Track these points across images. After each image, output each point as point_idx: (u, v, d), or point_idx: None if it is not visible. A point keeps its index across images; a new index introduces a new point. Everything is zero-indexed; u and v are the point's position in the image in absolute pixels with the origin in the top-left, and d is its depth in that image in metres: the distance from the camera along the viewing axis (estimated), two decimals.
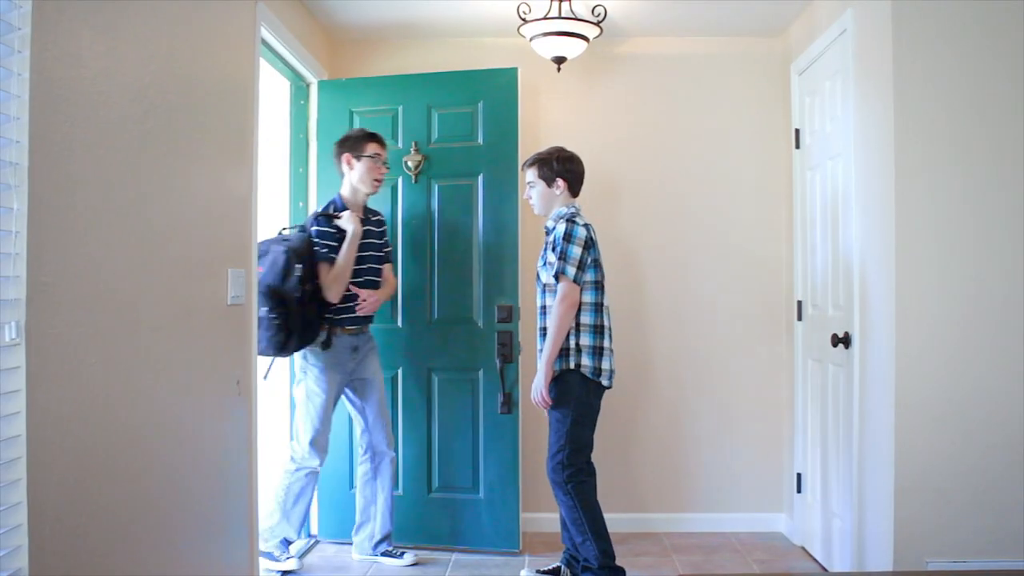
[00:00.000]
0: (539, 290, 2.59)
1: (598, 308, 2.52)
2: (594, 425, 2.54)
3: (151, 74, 1.80)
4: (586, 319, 2.50)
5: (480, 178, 3.02)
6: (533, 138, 3.30)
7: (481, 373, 2.98)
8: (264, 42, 2.55)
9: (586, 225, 2.54)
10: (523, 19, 2.87)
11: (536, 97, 3.29)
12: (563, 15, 2.80)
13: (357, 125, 3.11)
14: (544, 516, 3.20)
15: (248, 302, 2.37)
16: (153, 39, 1.81)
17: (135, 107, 1.73)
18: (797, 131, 3.12)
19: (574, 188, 2.64)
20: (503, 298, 2.96)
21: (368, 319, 2.82)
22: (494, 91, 2.99)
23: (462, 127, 3.04)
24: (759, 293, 3.29)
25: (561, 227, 2.50)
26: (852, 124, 2.52)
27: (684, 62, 3.31)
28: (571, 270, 2.45)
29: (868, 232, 2.44)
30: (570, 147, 3.31)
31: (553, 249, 2.50)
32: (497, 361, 2.89)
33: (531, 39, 2.89)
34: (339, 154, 2.77)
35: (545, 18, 2.81)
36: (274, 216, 3.07)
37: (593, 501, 2.49)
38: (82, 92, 1.53)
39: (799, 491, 3.08)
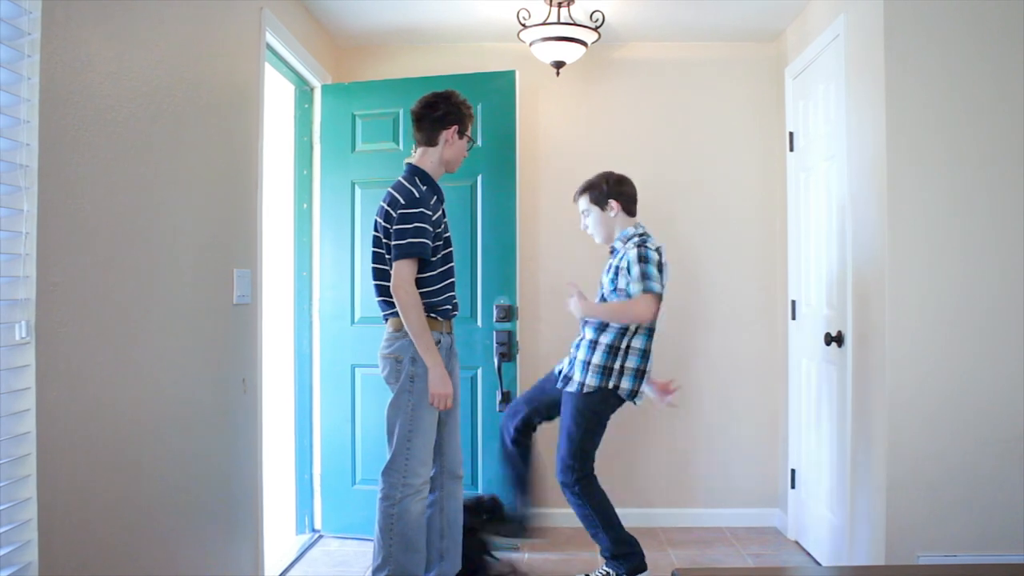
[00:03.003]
0: None
1: (650, 333, 2.55)
2: (603, 434, 2.59)
3: (158, 78, 1.83)
4: (638, 343, 2.52)
5: (479, 179, 3.05)
6: (533, 141, 3.34)
7: (480, 371, 3.01)
8: (269, 47, 2.58)
9: (657, 249, 2.54)
10: (523, 24, 2.91)
11: (536, 101, 3.33)
12: (562, 20, 2.84)
13: (359, 128, 3.12)
14: (543, 512, 3.24)
15: (254, 302, 2.40)
16: (160, 44, 1.84)
17: (143, 111, 1.76)
18: (791, 134, 3.15)
19: (629, 208, 2.62)
20: (502, 297, 2.99)
21: (457, 312, 2.42)
22: (493, 94, 3.02)
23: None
24: (754, 292, 3.32)
25: (633, 252, 2.48)
26: (845, 127, 2.56)
27: (680, 66, 3.34)
28: (656, 285, 2.44)
29: (861, 233, 2.47)
30: (568, 150, 3.38)
31: (629, 272, 2.47)
32: (496, 359, 2.92)
33: (531, 44, 2.93)
34: (443, 122, 2.30)
35: (544, 23, 2.84)
36: (278, 217, 3.11)
37: (599, 497, 2.56)
38: (91, 96, 1.55)
39: (793, 487, 3.11)
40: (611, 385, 2.50)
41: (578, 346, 2.60)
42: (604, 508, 2.56)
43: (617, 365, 2.50)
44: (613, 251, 2.63)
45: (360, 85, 3.18)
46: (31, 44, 1.39)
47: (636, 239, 2.54)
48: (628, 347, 2.51)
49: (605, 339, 2.52)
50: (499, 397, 2.92)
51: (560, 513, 3.31)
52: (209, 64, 2.11)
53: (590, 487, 2.55)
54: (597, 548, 2.96)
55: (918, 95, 2.27)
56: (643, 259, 2.46)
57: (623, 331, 2.52)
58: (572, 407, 2.53)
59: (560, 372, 2.63)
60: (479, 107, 3.05)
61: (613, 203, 2.59)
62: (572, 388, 2.55)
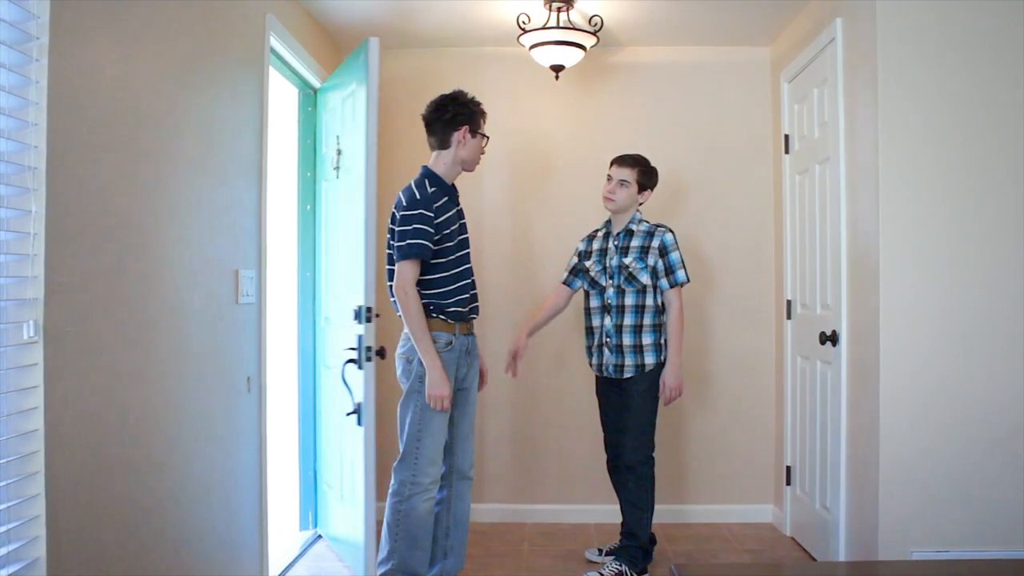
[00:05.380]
0: (631, 289, 2.69)
1: None
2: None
3: (164, 82, 1.85)
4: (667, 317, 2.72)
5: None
6: (533, 143, 3.37)
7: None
8: (273, 51, 2.61)
9: None
10: (522, 29, 2.93)
11: (535, 104, 3.35)
12: (561, 25, 2.85)
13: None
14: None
15: (259, 302, 2.42)
16: (166, 48, 1.86)
17: (149, 113, 1.78)
18: (787, 136, 3.18)
19: (646, 201, 2.82)
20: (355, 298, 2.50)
21: (478, 312, 2.43)
22: (360, 72, 2.55)
23: (352, 116, 2.68)
24: (750, 293, 3.35)
25: (670, 236, 2.70)
26: (839, 130, 2.58)
27: (678, 70, 3.37)
28: (685, 275, 2.71)
29: (854, 234, 2.50)
30: (566, 151, 3.40)
31: (663, 255, 2.68)
32: (352, 365, 2.51)
33: (530, 48, 2.94)
34: (454, 124, 2.30)
35: (544, 28, 2.85)
36: (282, 219, 3.13)
37: (654, 479, 2.73)
38: (98, 99, 1.58)
39: (789, 483, 3.14)
40: (663, 358, 2.69)
41: (613, 335, 2.71)
42: (654, 492, 2.72)
43: (663, 340, 2.70)
44: (619, 234, 2.75)
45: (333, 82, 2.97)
46: (39, 48, 1.41)
47: (662, 226, 2.73)
48: (663, 323, 2.71)
49: (647, 320, 2.69)
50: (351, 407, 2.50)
51: (558, 510, 3.34)
52: (215, 67, 2.13)
53: (653, 467, 2.72)
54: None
55: (912, 99, 2.29)
56: (676, 247, 2.70)
57: (658, 309, 2.69)
58: (640, 388, 2.67)
59: (608, 369, 2.73)
60: (351, 88, 2.67)
61: (648, 193, 2.78)
62: (631, 372, 2.69)
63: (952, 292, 2.29)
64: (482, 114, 2.36)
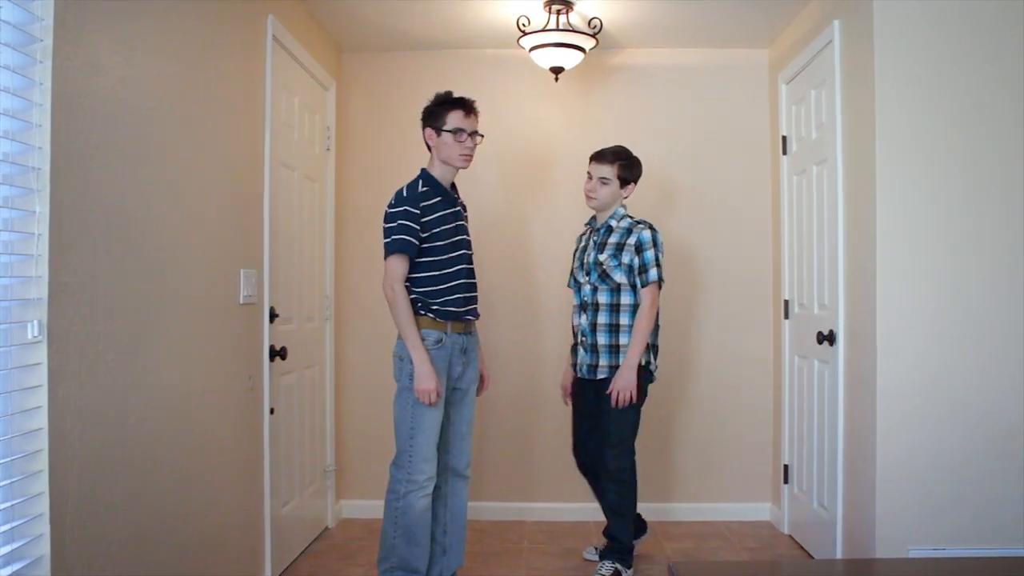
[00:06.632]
0: (604, 287, 2.60)
1: (659, 310, 2.65)
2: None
3: (167, 83, 1.86)
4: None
5: None
6: (532, 145, 3.38)
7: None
8: (274, 51, 2.61)
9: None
10: (522, 31, 2.93)
11: (535, 105, 3.37)
12: (560, 27, 2.86)
13: None
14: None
15: (260, 301, 2.43)
16: (169, 49, 1.88)
17: (151, 114, 1.79)
18: (784, 138, 3.20)
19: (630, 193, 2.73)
20: None
21: (476, 314, 2.42)
22: None
23: None
24: (748, 293, 3.37)
25: (647, 234, 2.57)
26: (836, 132, 2.60)
27: (676, 71, 3.38)
28: (657, 273, 2.57)
29: (851, 235, 2.52)
30: (566, 153, 3.41)
31: (639, 252, 2.55)
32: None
33: (530, 50, 2.95)
34: (424, 126, 2.35)
35: (543, 30, 2.86)
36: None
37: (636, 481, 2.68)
38: (101, 100, 1.59)
39: (786, 482, 3.15)
40: (643, 362, 2.58)
41: (588, 334, 2.63)
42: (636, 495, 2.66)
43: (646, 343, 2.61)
44: (599, 230, 2.66)
45: None
46: (43, 50, 1.42)
47: (642, 223, 2.62)
48: None
49: (624, 320, 2.59)
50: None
51: (558, 508, 3.35)
52: (216, 69, 2.14)
53: (635, 470, 2.64)
54: (591, 544, 3.01)
55: (909, 101, 2.31)
56: (655, 244, 2.58)
57: (637, 309, 2.59)
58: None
59: (583, 369, 2.65)
60: None
61: (631, 187, 2.68)
62: (604, 373, 2.59)
63: (948, 292, 2.30)
64: (450, 109, 2.29)
